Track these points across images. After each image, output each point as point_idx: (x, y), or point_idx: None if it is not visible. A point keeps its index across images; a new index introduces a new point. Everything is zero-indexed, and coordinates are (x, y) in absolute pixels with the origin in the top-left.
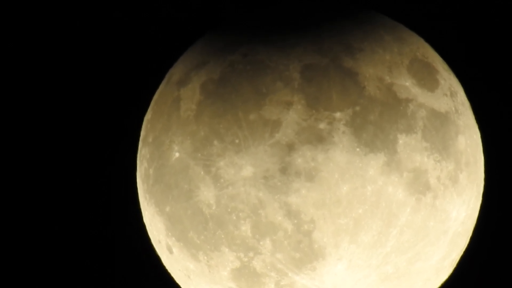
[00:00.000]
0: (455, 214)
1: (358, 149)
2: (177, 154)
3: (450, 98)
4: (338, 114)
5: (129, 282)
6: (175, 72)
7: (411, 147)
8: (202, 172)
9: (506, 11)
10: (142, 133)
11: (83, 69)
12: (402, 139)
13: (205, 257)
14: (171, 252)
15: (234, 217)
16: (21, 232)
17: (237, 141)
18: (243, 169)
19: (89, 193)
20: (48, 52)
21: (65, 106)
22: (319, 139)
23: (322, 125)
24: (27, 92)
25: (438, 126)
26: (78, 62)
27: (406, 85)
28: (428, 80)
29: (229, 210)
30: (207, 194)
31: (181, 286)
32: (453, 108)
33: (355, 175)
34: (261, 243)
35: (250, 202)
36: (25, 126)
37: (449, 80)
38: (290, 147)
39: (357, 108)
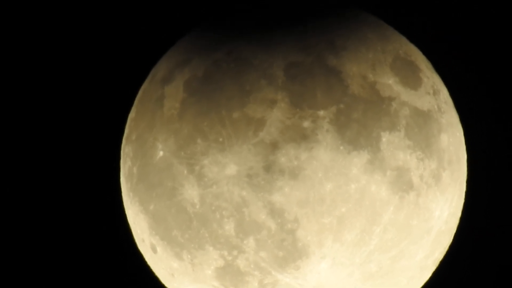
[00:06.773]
0: (439, 212)
1: (341, 147)
2: (161, 153)
3: (433, 97)
4: (322, 112)
5: (112, 282)
6: (159, 70)
7: (394, 145)
8: (185, 171)
9: (489, 10)
10: (126, 131)
11: (67, 68)
12: (385, 137)
13: (189, 256)
14: (155, 251)
15: (218, 216)
16: (4, 232)
17: (220, 139)
18: (227, 167)
19: (71, 191)
20: (33, 51)
21: (48, 104)
22: (303, 137)
23: (306, 123)
24: (14, 90)
25: (421, 124)
26: (61, 60)
27: (389, 83)
28: (411, 78)
29: (213, 208)
30: (191, 192)
31: (165, 285)
32: (436, 107)
33: (338, 174)
34: (244, 241)
35: (234, 201)
36: (9, 123)
37: (432, 79)
38: (274, 146)
39: (341, 106)
